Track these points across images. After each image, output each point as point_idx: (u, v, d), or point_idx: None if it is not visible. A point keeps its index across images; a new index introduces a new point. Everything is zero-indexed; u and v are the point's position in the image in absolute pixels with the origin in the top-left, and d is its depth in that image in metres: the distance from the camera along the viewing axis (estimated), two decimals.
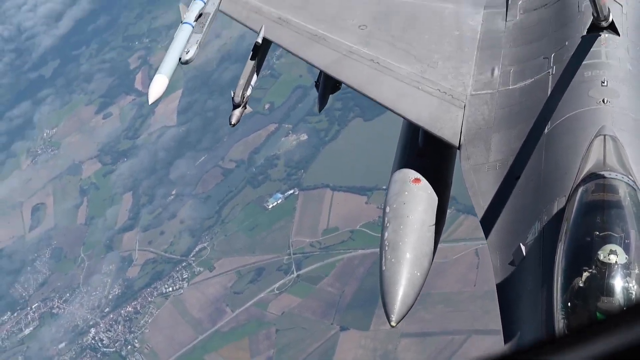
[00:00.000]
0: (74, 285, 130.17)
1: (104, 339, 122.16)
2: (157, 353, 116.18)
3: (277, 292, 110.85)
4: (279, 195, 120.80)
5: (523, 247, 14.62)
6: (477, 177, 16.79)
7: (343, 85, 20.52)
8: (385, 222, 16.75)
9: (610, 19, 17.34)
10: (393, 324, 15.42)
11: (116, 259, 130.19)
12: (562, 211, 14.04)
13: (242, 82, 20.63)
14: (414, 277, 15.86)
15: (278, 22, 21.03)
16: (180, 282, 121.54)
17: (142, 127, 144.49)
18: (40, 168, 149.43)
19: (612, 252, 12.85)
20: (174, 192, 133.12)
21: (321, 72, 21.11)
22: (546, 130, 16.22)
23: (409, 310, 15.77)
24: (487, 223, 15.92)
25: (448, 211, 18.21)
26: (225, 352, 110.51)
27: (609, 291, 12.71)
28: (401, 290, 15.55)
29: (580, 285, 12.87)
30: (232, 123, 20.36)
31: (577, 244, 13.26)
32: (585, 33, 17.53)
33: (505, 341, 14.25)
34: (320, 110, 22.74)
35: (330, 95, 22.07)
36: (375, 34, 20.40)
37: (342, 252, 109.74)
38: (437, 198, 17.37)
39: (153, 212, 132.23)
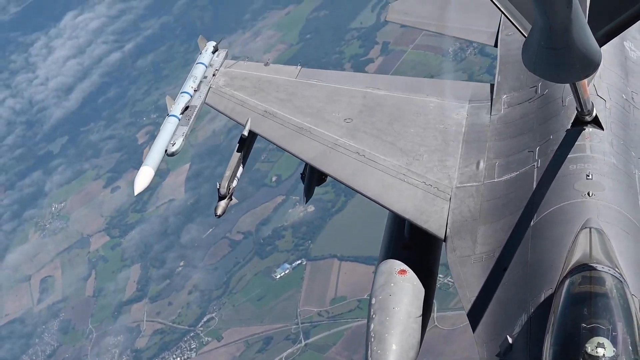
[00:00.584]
0: (82, 357, 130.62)
1: None
2: None
3: None
4: (287, 265, 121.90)
5: (510, 339, 14.63)
6: (464, 269, 16.77)
7: (329, 177, 20.54)
8: (371, 313, 16.63)
9: (594, 113, 17.61)
10: None
11: (124, 330, 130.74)
12: (549, 303, 13.98)
13: (228, 173, 20.77)
14: None
15: (264, 114, 21.22)
16: (189, 352, 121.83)
17: (150, 200, 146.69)
18: (49, 241, 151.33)
19: (599, 344, 12.84)
20: (182, 264, 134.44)
21: (307, 164, 21.14)
22: (532, 223, 16.21)
23: None
24: (474, 315, 15.93)
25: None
26: None
27: None
28: None
29: None
30: (218, 214, 20.44)
31: (564, 336, 13.21)
32: (569, 127, 17.72)
33: None
34: (306, 202, 22.85)
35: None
36: (361, 127, 20.49)
37: (350, 320, 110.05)
38: (423, 289, 17.26)
39: (161, 284, 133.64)
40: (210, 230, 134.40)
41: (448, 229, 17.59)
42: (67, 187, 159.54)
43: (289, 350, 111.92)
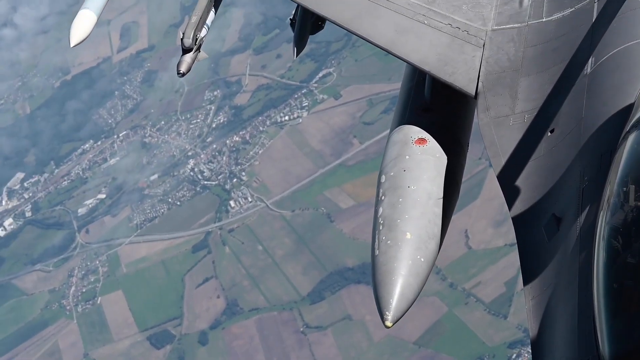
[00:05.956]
0: (171, 113, 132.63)
1: (204, 170, 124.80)
2: (268, 187, 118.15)
3: None
4: None
5: (557, 217, 13.66)
6: (499, 132, 15.56)
7: (327, 22, 18.90)
8: (380, 194, 15.42)
9: None
10: (388, 323, 13.87)
11: (222, 84, 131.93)
12: (606, 169, 12.73)
13: (194, 19, 18.90)
14: (417, 263, 14.48)
15: None
16: (299, 111, 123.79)
17: None
18: None
19: None
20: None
21: (298, 6, 19.36)
22: (588, 70, 15.18)
23: (410, 306, 14.35)
24: (511, 190, 14.82)
25: None
26: (349, 188, 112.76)
27: None
28: (400, 281, 14.21)
29: (629, 261, 11.62)
30: (181, 72, 18.46)
31: (624, 209, 11.88)
32: None
33: (533, 346, 13.05)
34: (297, 54, 20.73)
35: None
36: None
37: None
38: (447, 163, 15.89)
39: (269, 34, 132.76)
40: None
41: (480, 83, 16.42)
42: None
43: None
